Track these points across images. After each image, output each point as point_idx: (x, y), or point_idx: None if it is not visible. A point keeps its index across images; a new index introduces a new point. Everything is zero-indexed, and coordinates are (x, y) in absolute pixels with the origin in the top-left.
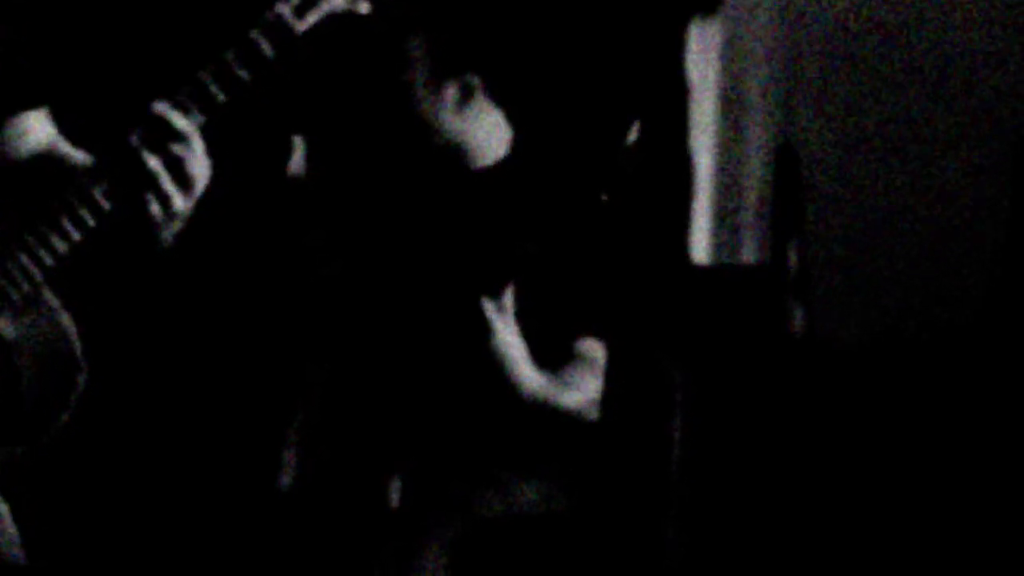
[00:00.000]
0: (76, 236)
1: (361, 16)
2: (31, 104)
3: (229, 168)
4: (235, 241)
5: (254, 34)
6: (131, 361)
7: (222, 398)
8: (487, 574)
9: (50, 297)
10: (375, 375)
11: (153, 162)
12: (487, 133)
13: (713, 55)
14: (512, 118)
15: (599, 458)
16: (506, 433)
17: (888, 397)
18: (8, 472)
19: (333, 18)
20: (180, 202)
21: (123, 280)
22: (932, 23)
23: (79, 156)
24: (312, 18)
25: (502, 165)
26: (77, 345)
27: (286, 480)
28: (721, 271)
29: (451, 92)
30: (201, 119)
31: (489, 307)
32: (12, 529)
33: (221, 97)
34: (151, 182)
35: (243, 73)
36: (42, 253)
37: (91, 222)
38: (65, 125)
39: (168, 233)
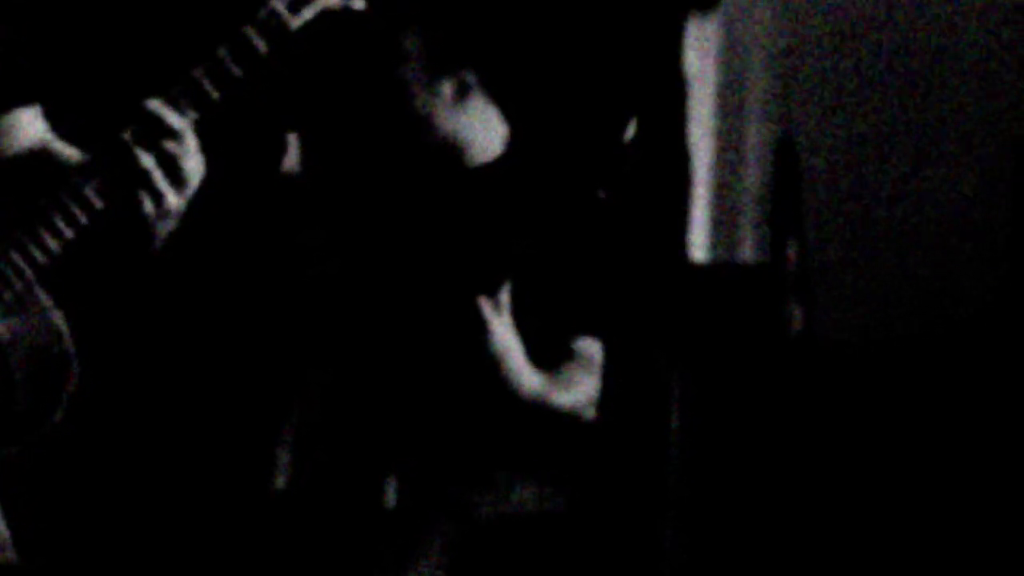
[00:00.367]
0: (68, 234)
1: (356, 12)
2: (23, 101)
3: (223, 166)
4: (229, 239)
5: (248, 30)
6: (124, 360)
7: (216, 398)
8: (484, 575)
9: (42, 296)
10: (372, 374)
11: (146, 159)
12: (483, 130)
13: (711, 50)
14: (508, 114)
15: (596, 458)
16: (503, 433)
17: (888, 396)
18: (0, 472)
19: (327, 14)
20: (173, 200)
21: (116, 279)
22: (932, 18)
23: (71, 153)
24: (306, 14)
25: (498, 162)
26: (69, 344)
27: (281, 480)
28: (719, 269)
29: (447, 89)
30: (194, 116)
31: (485, 305)
32: (4, 529)
33: (215, 94)
34: (144, 180)
35: (237, 70)
36: (34, 251)
37: (83, 220)
38: (57, 122)
39: (161, 231)
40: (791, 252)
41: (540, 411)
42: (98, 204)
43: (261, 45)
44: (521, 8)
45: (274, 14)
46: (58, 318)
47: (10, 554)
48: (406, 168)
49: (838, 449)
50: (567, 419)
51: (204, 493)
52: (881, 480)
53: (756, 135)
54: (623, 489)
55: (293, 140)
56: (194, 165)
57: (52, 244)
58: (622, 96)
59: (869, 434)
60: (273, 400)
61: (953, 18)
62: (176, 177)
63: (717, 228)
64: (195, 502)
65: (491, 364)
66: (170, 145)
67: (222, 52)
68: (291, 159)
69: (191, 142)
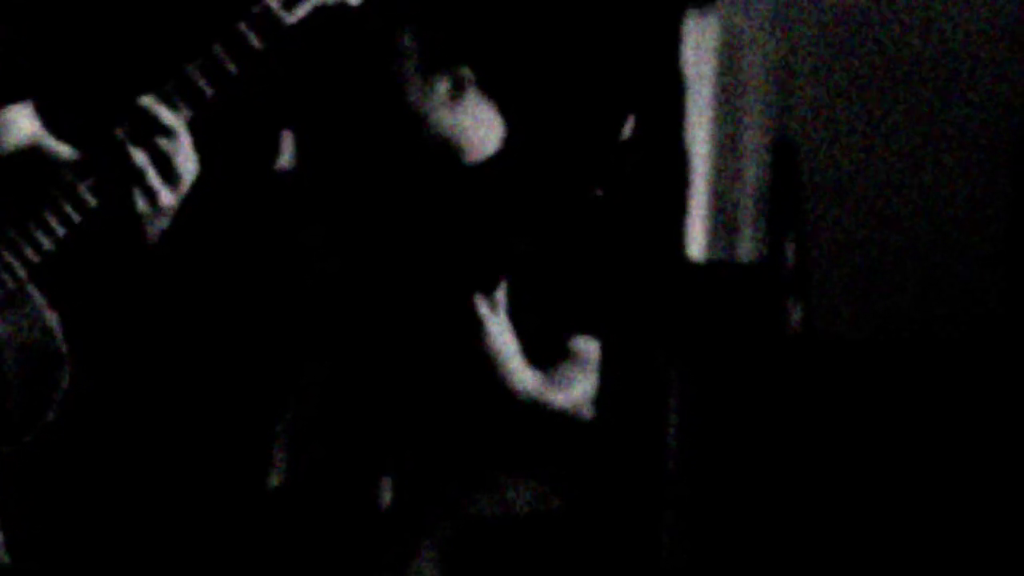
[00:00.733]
0: (61, 232)
1: (351, 8)
2: (15, 98)
3: (217, 163)
4: (222, 237)
5: (242, 27)
6: (117, 359)
7: (211, 396)
8: (480, 575)
9: (35, 294)
10: (368, 373)
11: (139, 157)
12: (479, 127)
13: (710, 48)
14: (505, 112)
15: (593, 458)
16: (499, 432)
17: (887, 395)
18: None
19: (322, 10)
20: (167, 197)
21: (109, 277)
22: (932, 16)
23: (64, 151)
24: (301, 11)
25: (495, 160)
26: (62, 342)
27: (276, 479)
28: (717, 268)
29: (443, 86)
30: (188, 113)
31: (482, 304)
32: None
33: (209, 91)
34: (137, 177)
35: (231, 66)
36: (27, 249)
37: (76, 218)
38: (50, 119)
39: (154, 229)
40: (790, 251)
41: (537, 410)
42: (91, 202)
43: (255, 42)
44: (518, 5)
45: (269, 10)
46: (51, 317)
47: (2, 553)
48: (402, 165)
49: (837, 448)
50: (564, 419)
51: (199, 491)
52: (880, 478)
53: (755, 133)
54: (621, 489)
55: (287, 137)
56: (188, 162)
57: (45, 242)
58: (619, 94)
59: (868, 433)
60: (268, 398)
61: (953, 16)
62: (170, 174)
63: (715, 226)
64: (190, 500)
65: (487, 363)
66: (164, 142)
67: (216, 49)
68: (285, 157)
69: (185, 139)
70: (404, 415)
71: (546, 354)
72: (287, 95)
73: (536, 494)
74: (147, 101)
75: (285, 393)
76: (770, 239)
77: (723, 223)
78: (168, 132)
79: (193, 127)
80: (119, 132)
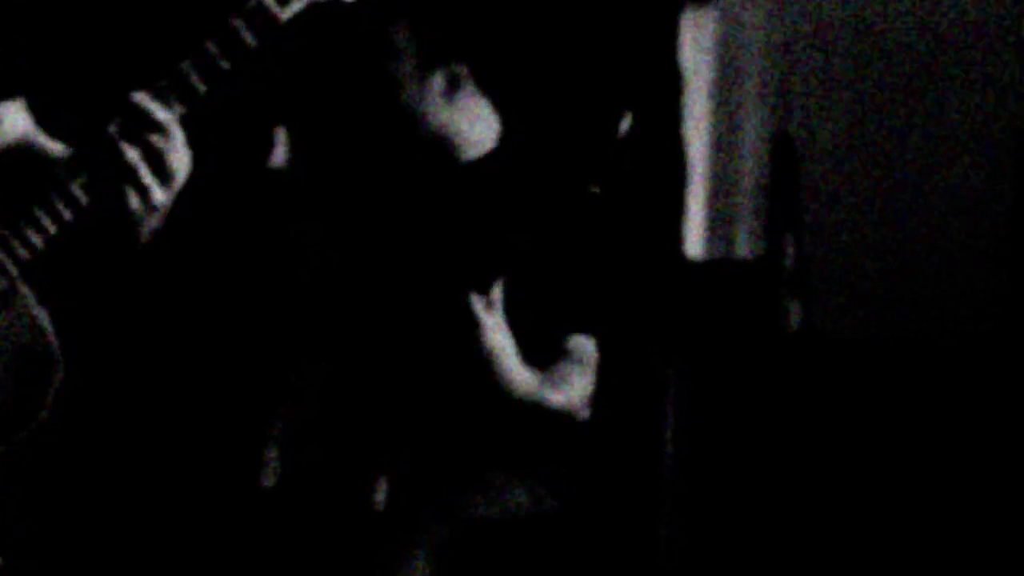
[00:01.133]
0: (53, 230)
1: (345, 4)
2: (6, 95)
3: (210, 160)
4: (216, 235)
5: (236, 23)
6: (110, 358)
7: (204, 396)
8: None
9: (26, 292)
10: (364, 372)
11: (132, 154)
12: (475, 124)
13: (707, 43)
14: (501, 108)
15: (591, 458)
16: (495, 432)
17: (886, 393)
18: None
19: (317, 6)
20: (159, 195)
21: (101, 275)
22: (932, 12)
23: (56, 148)
24: (295, 6)
25: (490, 156)
26: (54, 341)
27: (269, 479)
28: (715, 266)
29: (438, 82)
30: (181, 110)
31: (477, 303)
32: None
33: (202, 87)
34: (130, 175)
35: (224, 63)
36: (18, 247)
37: (68, 216)
38: (41, 116)
39: (147, 227)
40: (788, 248)
41: (533, 410)
42: (83, 200)
43: (249, 38)
44: (514, 0)
45: (262, 6)
46: (42, 315)
47: None
48: (397, 162)
49: (835, 445)
50: (561, 418)
51: (192, 491)
52: (878, 477)
53: (753, 129)
54: (618, 489)
55: (281, 134)
56: (181, 160)
57: (36, 240)
58: (617, 90)
59: (866, 431)
60: (262, 398)
61: (953, 12)
62: (162, 172)
63: (713, 224)
64: (183, 500)
65: (483, 363)
66: (156, 139)
67: (210, 45)
68: (279, 154)
69: (178, 136)
70: (399, 415)
71: (543, 353)
72: (281, 92)
73: (532, 494)
74: (140, 98)
75: (279, 393)
76: (768, 236)
77: (721, 220)
78: (161, 129)
79: (186, 124)
80: (111, 129)
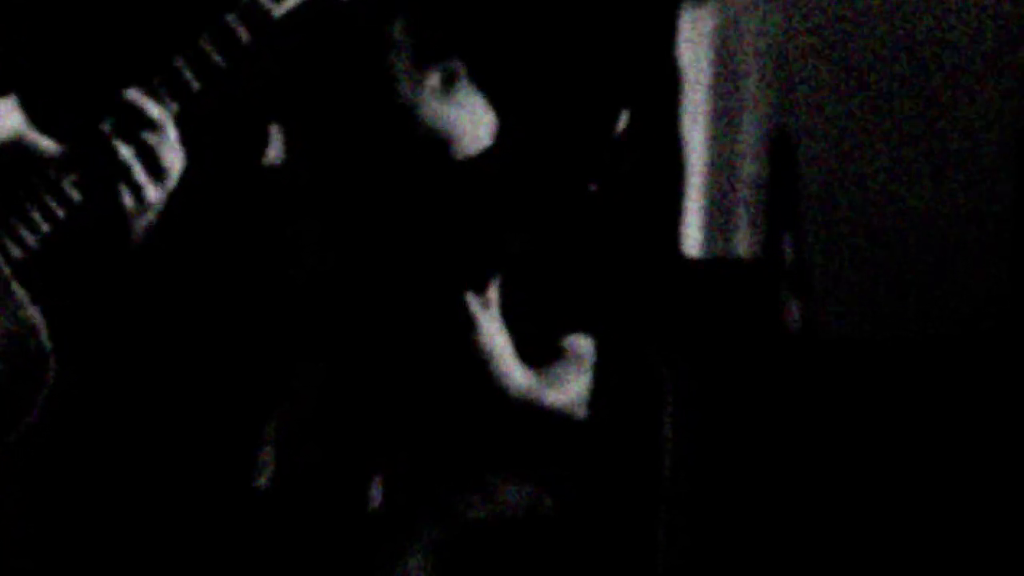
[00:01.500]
0: (45, 228)
1: (340, 1)
2: None
3: (204, 158)
4: (209, 233)
5: (230, 19)
6: (103, 358)
7: (198, 396)
8: None
9: (18, 291)
10: (359, 372)
11: (125, 151)
12: (471, 121)
13: (705, 40)
14: (497, 105)
15: (587, 458)
16: (491, 433)
17: (886, 393)
18: None
19: (311, 2)
20: (153, 193)
21: (93, 274)
22: (931, 10)
23: (48, 145)
24: (289, 3)
25: (487, 154)
26: (46, 340)
27: (263, 480)
28: (714, 265)
29: (433, 78)
30: (175, 107)
31: (473, 302)
32: None
33: (195, 84)
34: (123, 172)
35: (218, 59)
36: (10, 245)
37: (61, 213)
38: (34, 113)
39: (140, 225)
40: (787, 247)
41: (530, 410)
42: (76, 197)
43: (243, 34)
44: None
45: (256, 3)
46: (34, 314)
47: None
48: (392, 160)
49: (835, 448)
50: (558, 419)
51: (185, 491)
52: (878, 477)
53: (751, 127)
54: (616, 491)
55: (276, 132)
56: (174, 157)
57: (28, 238)
58: (614, 88)
59: (866, 431)
60: (257, 398)
61: (953, 9)
62: (156, 170)
63: (712, 222)
64: (175, 500)
65: (479, 362)
66: (150, 137)
67: (204, 41)
68: (273, 151)
69: (171, 134)
70: (395, 414)
71: (539, 352)
72: (276, 89)
73: (529, 495)
74: (133, 95)
75: (275, 393)
76: (767, 234)
77: (719, 218)
78: (154, 126)
79: (180, 121)
80: (104, 126)
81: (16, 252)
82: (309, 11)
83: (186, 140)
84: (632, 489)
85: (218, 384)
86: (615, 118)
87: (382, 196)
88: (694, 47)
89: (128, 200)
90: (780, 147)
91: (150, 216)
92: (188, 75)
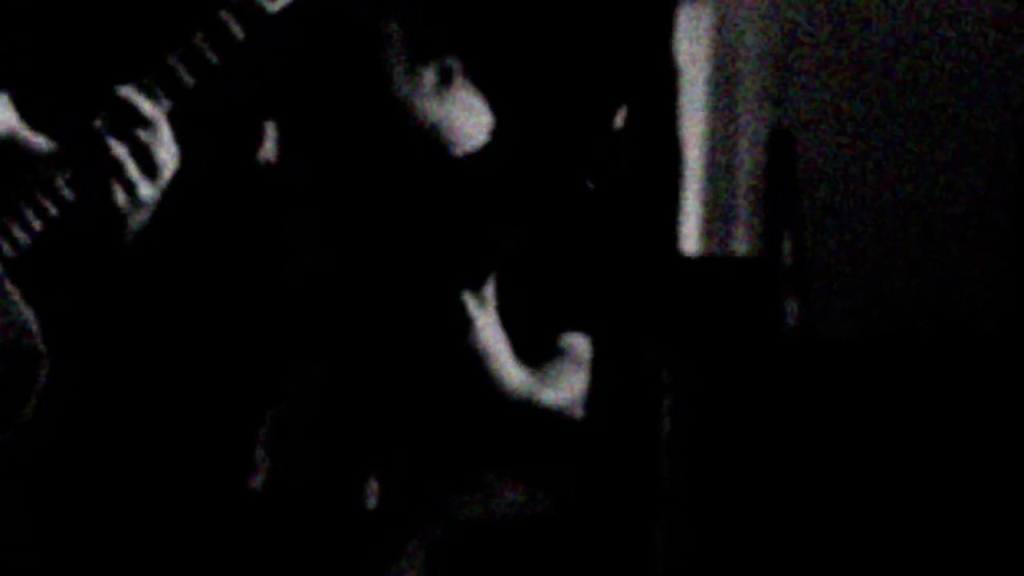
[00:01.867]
0: (37, 226)
1: None
2: None
3: (198, 155)
4: (203, 231)
5: (224, 15)
6: (96, 357)
7: (192, 396)
8: None
9: (10, 289)
10: (355, 371)
11: (118, 149)
12: (467, 118)
13: (703, 36)
14: (493, 102)
15: (585, 458)
16: (488, 432)
17: (885, 392)
18: None
19: None
20: (146, 191)
21: (86, 272)
22: (931, 6)
23: (41, 142)
24: None
25: (483, 151)
26: (39, 340)
27: (258, 480)
28: (712, 263)
29: (429, 75)
30: (168, 104)
31: (469, 300)
32: None
33: (189, 81)
34: (116, 170)
35: (212, 56)
36: (2, 243)
37: (53, 211)
38: (26, 110)
39: (133, 223)
40: (786, 245)
41: (526, 410)
42: (68, 195)
43: (238, 31)
44: None
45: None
46: (27, 313)
47: None
48: (387, 157)
49: (834, 448)
50: (554, 418)
51: (179, 491)
52: (877, 477)
53: (750, 124)
54: (613, 491)
55: (270, 129)
56: (168, 155)
57: (21, 236)
58: (611, 84)
59: (865, 430)
60: (252, 398)
61: (952, 7)
62: (149, 167)
63: (710, 220)
64: (170, 501)
65: (476, 361)
66: (143, 134)
67: (197, 38)
68: (268, 148)
69: (165, 131)
70: (391, 414)
71: (536, 351)
72: (270, 85)
73: (526, 495)
74: (126, 92)
75: (270, 393)
76: (766, 233)
77: (717, 216)
78: (148, 123)
79: (173, 118)
80: (97, 123)
81: (8, 250)
82: (304, 7)
83: (180, 138)
84: (630, 488)
85: (213, 384)
86: (612, 115)
87: (378, 194)
88: (692, 43)
89: (121, 198)
90: (779, 144)
91: (143, 214)
92: (182, 72)
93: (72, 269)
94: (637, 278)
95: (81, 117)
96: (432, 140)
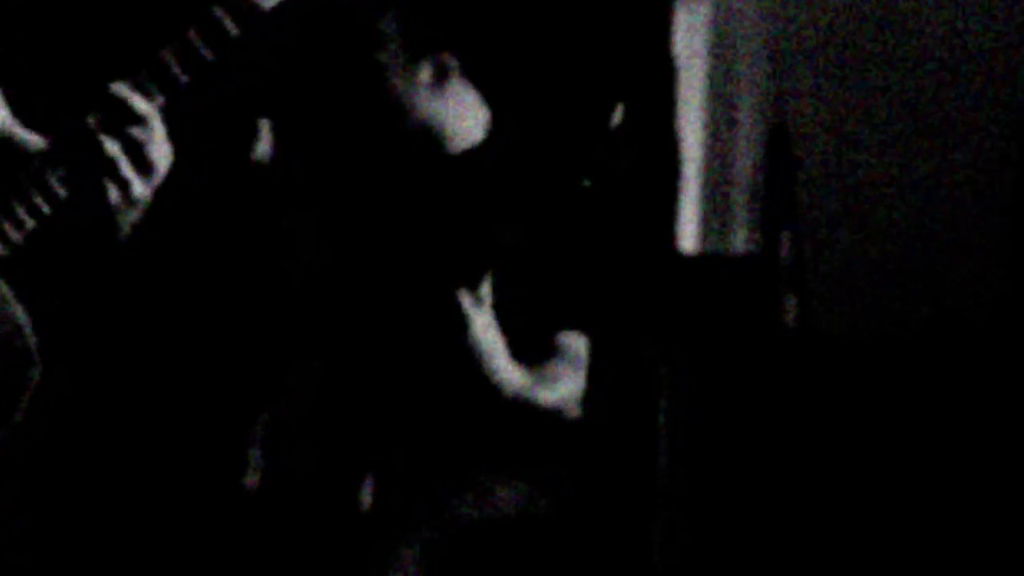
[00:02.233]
0: (30, 224)
1: None
2: None
3: (192, 153)
4: (198, 229)
5: (218, 12)
6: (89, 356)
7: (189, 394)
8: None
9: (3, 288)
10: (353, 370)
11: (112, 146)
12: (463, 115)
13: (702, 32)
14: (490, 99)
15: (582, 458)
16: (484, 431)
17: (884, 390)
18: None
19: None
20: (140, 188)
21: (80, 270)
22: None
23: (33, 140)
24: None
25: (479, 149)
26: (31, 339)
27: (253, 479)
28: (710, 261)
29: (426, 72)
30: (162, 101)
31: (466, 299)
32: None
33: (183, 78)
34: (109, 167)
35: (206, 53)
36: None
37: (46, 209)
38: (19, 107)
39: (127, 221)
40: (784, 243)
41: (523, 409)
42: (61, 193)
43: (232, 27)
44: None
45: None
46: (19, 312)
47: None
48: (384, 155)
49: (833, 446)
50: (551, 417)
51: (175, 490)
52: (876, 475)
53: (748, 120)
54: (611, 490)
55: (265, 126)
56: (162, 152)
57: (13, 234)
58: (609, 81)
59: (864, 429)
60: (249, 395)
61: (952, 6)
62: (143, 164)
63: (708, 218)
64: (166, 499)
65: (472, 360)
66: (137, 131)
67: (191, 34)
68: (263, 146)
69: (159, 128)
70: (389, 413)
71: (533, 350)
72: (266, 82)
73: (522, 494)
74: (120, 88)
75: (267, 391)
76: (764, 230)
77: (716, 214)
78: (141, 120)
79: (167, 115)
80: (90, 121)
81: (1, 248)
82: (299, 4)
83: (174, 135)
84: (627, 487)
85: (209, 382)
86: (610, 112)
87: (375, 191)
88: (690, 41)
89: (115, 195)
90: (778, 141)
91: (137, 212)
92: (176, 69)
93: (65, 267)
94: (635, 276)
95: (74, 114)
96: (428, 137)
